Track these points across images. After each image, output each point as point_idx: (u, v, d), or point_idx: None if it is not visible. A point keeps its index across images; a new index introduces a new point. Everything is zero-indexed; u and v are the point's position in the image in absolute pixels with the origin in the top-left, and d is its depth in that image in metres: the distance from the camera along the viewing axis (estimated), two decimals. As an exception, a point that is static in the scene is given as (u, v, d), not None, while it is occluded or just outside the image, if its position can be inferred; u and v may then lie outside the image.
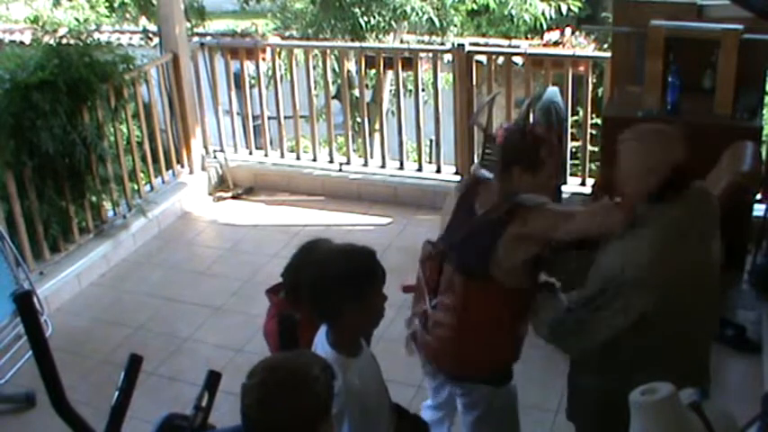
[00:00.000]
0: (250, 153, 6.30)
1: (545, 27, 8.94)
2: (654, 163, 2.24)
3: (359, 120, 7.45)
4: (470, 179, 2.89)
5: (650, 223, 2.24)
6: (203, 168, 6.16)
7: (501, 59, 5.96)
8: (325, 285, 2.09)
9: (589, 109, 5.35)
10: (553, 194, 2.67)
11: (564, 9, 8.86)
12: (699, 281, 2.29)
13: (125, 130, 5.45)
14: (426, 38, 9.13)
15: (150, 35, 9.32)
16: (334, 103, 6.84)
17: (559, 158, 2.66)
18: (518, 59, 5.87)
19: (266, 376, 1.73)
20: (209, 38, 8.19)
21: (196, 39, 7.31)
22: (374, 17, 8.59)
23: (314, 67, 6.59)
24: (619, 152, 2.33)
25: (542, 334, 2.53)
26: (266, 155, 6.26)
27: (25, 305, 2.46)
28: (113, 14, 10.58)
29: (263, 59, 6.13)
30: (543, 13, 8.74)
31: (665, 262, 2.20)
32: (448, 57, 5.59)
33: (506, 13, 8.90)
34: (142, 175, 5.72)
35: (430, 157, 6.43)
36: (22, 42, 9.18)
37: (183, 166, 6.02)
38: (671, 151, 2.25)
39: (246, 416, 1.72)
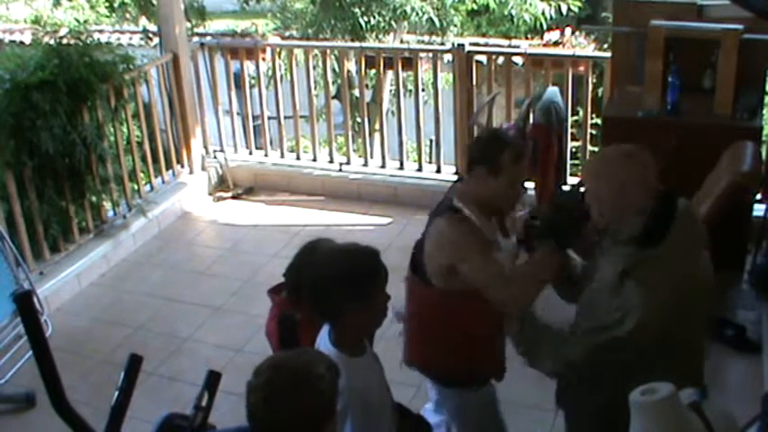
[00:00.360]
0: (250, 153, 6.30)
1: (545, 27, 8.95)
2: (630, 201, 2.10)
3: (359, 120, 7.45)
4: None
5: (648, 265, 2.12)
6: (203, 168, 6.16)
7: (501, 59, 5.97)
8: (326, 285, 2.09)
9: (589, 109, 5.35)
10: (514, 203, 2.60)
11: (564, 9, 8.86)
12: (697, 297, 2.24)
13: (125, 130, 5.44)
14: (426, 38, 9.13)
15: (150, 35, 9.32)
16: (334, 103, 6.84)
17: (525, 169, 2.54)
18: (518, 59, 5.88)
19: (271, 375, 1.72)
20: (209, 38, 8.20)
21: (196, 39, 7.31)
22: (374, 17, 8.59)
23: (314, 67, 6.59)
24: (587, 189, 2.20)
25: (550, 372, 2.43)
26: (266, 155, 6.26)
27: (25, 305, 2.46)
28: (113, 14, 10.59)
29: (263, 59, 6.13)
30: (543, 13, 8.74)
31: (669, 297, 2.13)
32: (448, 57, 5.60)
33: (506, 13, 8.90)
34: (142, 175, 5.72)
35: (430, 157, 6.43)
36: (21, 42, 9.19)
37: (182, 166, 6.02)
38: (645, 180, 2.12)
39: (252, 414, 1.72)
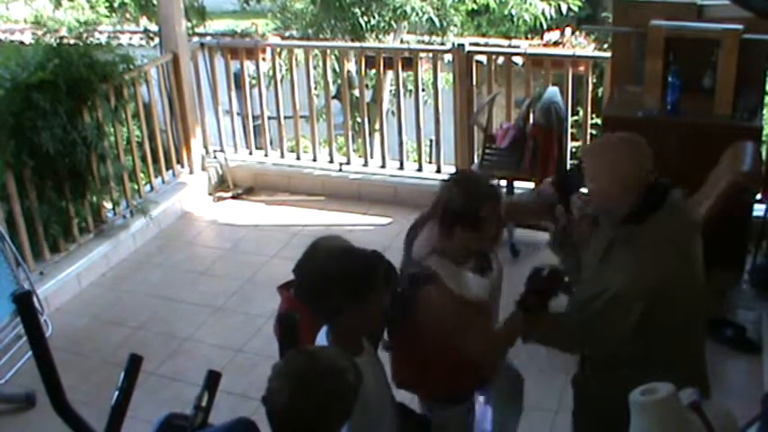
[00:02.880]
0: (250, 153, 6.30)
1: (545, 27, 8.96)
2: (624, 180, 2.21)
3: (359, 120, 7.45)
4: (422, 214, 2.69)
5: (631, 243, 2.23)
6: (203, 168, 6.16)
7: (501, 59, 5.97)
8: (324, 284, 2.09)
9: (589, 109, 5.35)
10: (499, 239, 2.59)
11: (564, 9, 8.86)
12: (685, 289, 2.29)
13: (125, 130, 5.44)
14: (426, 38, 9.13)
15: (150, 35, 9.32)
16: (334, 103, 6.84)
17: (502, 219, 2.52)
18: (518, 59, 5.88)
19: (303, 370, 1.74)
20: (209, 38, 8.20)
21: (196, 39, 7.31)
22: (374, 17, 8.60)
23: (314, 67, 6.60)
24: (586, 168, 2.29)
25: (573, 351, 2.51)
26: (266, 155, 6.26)
27: (25, 305, 2.46)
28: (113, 14, 10.59)
29: (263, 59, 6.13)
30: (543, 13, 8.74)
31: (651, 279, 2.20)
32: (448, 57, 5.59)
33: (506, 13, 8.91)
34: (142, 175, 5.72)
35: (430, 157, 6.43)
36: (21, 42, 9.19)
37: (183, 166, 6.02)
38: (639, 164, 2.22)
39: (273, 409, 1.73)
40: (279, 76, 6.29)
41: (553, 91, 4.78)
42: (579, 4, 8.97)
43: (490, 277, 2.57)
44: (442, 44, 8.31)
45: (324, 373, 1.74)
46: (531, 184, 4.80)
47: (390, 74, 6.63)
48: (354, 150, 6.35)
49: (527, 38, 9.54)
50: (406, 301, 2.44)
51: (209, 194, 6.11)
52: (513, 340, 2.48)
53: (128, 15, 10.57)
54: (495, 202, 2.41)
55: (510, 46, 8.91)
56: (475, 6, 9.02)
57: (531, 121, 4.77)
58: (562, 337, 2.43)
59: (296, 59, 6.59)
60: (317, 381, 1.72)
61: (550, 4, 8.78)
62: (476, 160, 5.42)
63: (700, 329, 2.46)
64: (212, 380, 2.17)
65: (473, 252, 2.51)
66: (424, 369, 2.59)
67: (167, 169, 5.90)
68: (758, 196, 4.47)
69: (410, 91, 7.03)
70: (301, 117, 6.27)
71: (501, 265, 2.66)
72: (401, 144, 5.90)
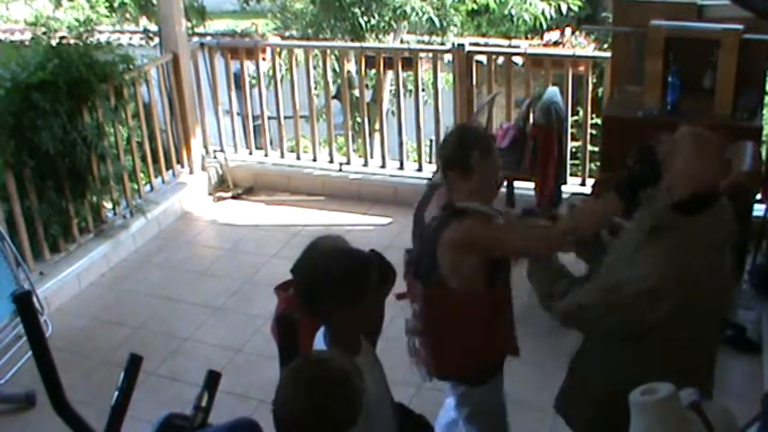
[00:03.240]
0: (250, 153, 6.30)
1: (545, 27, 8.95)
2: (706, 174, 2.20)
3: (359, 120, 7.45)
4: (427, 187, 2.89)
5: (673, 234, 2.20)
6: (203, 168, 6.15)
7: (501, 59, 5.97)
8: (317, 284, 2.09)
9: (589, 109, 5.35)
10: (492, 198, 2.66)
11: (564, 9, 8.86)
12: (712, 290, 2.28)
13: (125, 130, 5.44)
14: (426, 38, 9.13)
15: (150, 35, 9.32)
16: (335, 103, 6.84)
17: (497, 162, 2.61)
18: (518, 59, 5.88)
19: (312, 374, 1.74)
20: (209, 38, 8.20)
21: (196, 39, 7.31)
22: (374, 17, 8.60)
23: (314, 67, 6.59)
24: (673, 149, 2.25)
25: (555, 313, 2.47)
26: (266, 155, 6.26)
27: (25, 305, 2.46)
28: (113, 14, 10.58)
29: (263, 59, 6.13)
30: (543, 13, 8.74)
31: (684, 275, 2.17)
32: (448, 57, 5.59)
33: (506, 13, 8.90)
34: (142, 175, 5.72)
35: (430, 157, 6.43)
36: (22, 42, 9.18)
37: (183, 166, 6.02)
38: (720, 165, 2.26)
39: (280, 411, 1.73)
40: (279, 76, 6.29)
41: (553, 91, 4.77)
42: (579, 4, 8.97)
43: None
44: (442, 44, 8.31)
45: (335, 382, 1.73)
46: (531, 184, 4.80)
47: (390, 74, 6.63)
48: (354, 150, 6.35)
49: (527, 38, 9.54)
50: (434, 247, 2.54)
51: (209, 194, 6.11)
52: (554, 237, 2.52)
53: (128, 15, 10.57)
54: (483, 150, 2.53)
55: (510, 46, 8.91)
56: (475, 6, 9.02)
57: (531, 121, 4.76)
58: (564, 291, 2.41)
59: (296, 59, 6.59)
60: (328, 389, 1.72)
61: (550, 4, 8.78)
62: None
63: (716, 331, 2.46)
64: (212, 380, 2.18)
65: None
66: (453, 337, 2.63)
67: (167, 169, 5.89)
68: (758, 196, 4.47)
69: (410, 91, 7.04)
70: (301, 117, 6.27)
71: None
72: (401, 144, 5.90)
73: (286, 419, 1.73)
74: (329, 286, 2.05)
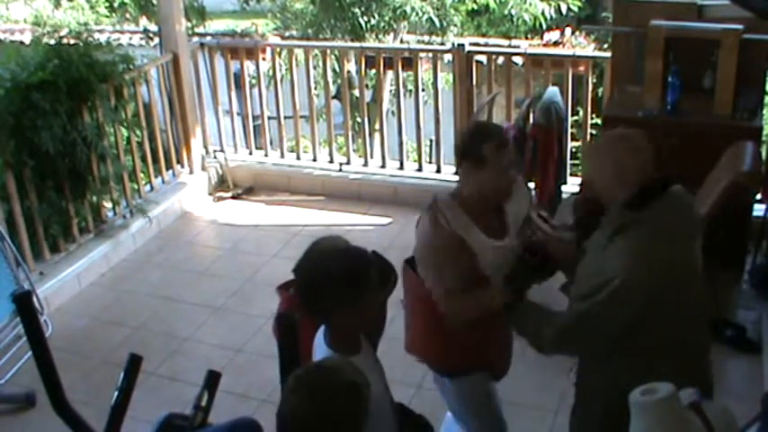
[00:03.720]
0: (250, 153, 6.30)
1: (545, 27, 8.95)
2: (623, 173, 2.26)
3: (359, 120, 7.45)
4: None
5: (631, 230, 2.24)
6: (203, 168, 6.16)
7: (501, 59, 5.97)
8: (315, 285, 2.09)
9: (589, 109, 5.35)
10: (505, 192, 2.64)
11: (564, 9, 8.86)
12: (684, 282, 2.29)
13: (124, 130, 5.44)
14: (426, 38, 9.13)
15: (150, 35, 9.32)
16: (335, 103, 6.84)
17: (511, 157, 2.61)
18: (518, 59, 5.88)
19: (320, 390, 1.73)
20: (209, 38, 8.19)
21: (196, 39, 7.30)
22: (374, 17, 8.59)
23: (314, 67, 6.59)
24: (586, 160, 2.36)
25: (548, 347, 2.49)
26: (266, 155, 6.26)
27: (25, 305, 2.47)
28: (113, 14, 10.59)
29: (263, 59, 6.13)
30: (543, 13, 8.74)
31: (649, 265, 2.19)
32: (448, 57, 5.59)
33: (506, 13, 8.90)
34: (142, 175, 5.72)
35: (430, 157, 6.43)
36: (21, 42, 9.19)
37: (183, 166, 6.02)
38: (638, 158, 2.27)
39: (286, 414, 1.73)
40: (279, 76, 6.29)
41: (553, 91, 4.77)
42: (579, 4, 8.97)
43: (505, 243, 2.61)
44: (442, 44, 8.30)
45: (343, 391, 1.73)
46: (531, 184, 4.79)
47: (390, 74, 6.63)
48: (354, 150, 6.35)
49: (527, 38, 9.54)
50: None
51: (209, 194, 6.11)
52: (479, 308, 2.51)
53: (128, 15, 10.57)
54: (498, 144, 2.52)
55: (510, 46, 8.91)
56: (475, 6, 9.02)
57: (531, 121, 4.76)
58: (547, 323, 2.41)
59: (296, 59, 6.59)
60: (336, 398, 1.72)
61: (550, 4, 8.78)
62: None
63: (702, 328, 2.46)
64: (212, 380, 2.18)
65: (487, 201, 2.59)
66: (438, 328, 2.63)
67: (167, 169, 5.90)
68: (758, 196, 4.47)
69: (410, 91, 7.04)
70: (301, 117, 6.27)
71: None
72: (401, 144, 5.90)
73: (290, 426, 1.73)
74: (329, 286, 2.05)
